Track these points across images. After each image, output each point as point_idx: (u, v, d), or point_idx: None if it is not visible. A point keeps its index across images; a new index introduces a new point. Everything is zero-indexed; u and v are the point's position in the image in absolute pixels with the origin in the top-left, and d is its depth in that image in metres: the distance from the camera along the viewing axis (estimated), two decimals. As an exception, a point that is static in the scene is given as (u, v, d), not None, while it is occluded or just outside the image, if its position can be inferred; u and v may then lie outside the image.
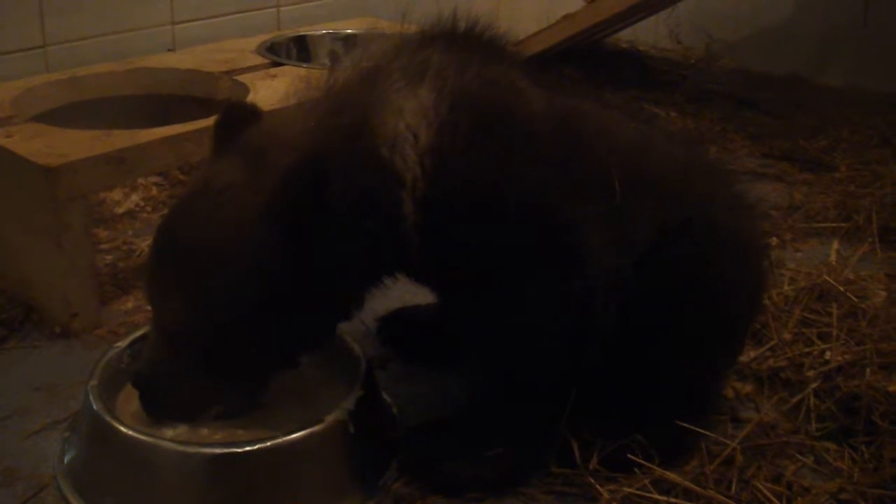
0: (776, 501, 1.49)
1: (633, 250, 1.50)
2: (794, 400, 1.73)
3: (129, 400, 1.59)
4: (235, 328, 1.40)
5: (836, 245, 2.35)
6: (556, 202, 1.46)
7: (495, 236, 1.44)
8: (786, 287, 2.06)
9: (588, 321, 1.49)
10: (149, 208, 2.52)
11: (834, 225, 2.47)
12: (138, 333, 1.70)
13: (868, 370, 1.74)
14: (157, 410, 1.50)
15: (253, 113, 1.52)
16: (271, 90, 2.36)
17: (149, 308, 2.02)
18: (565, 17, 3.12)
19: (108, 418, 1.48)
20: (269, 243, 1.36)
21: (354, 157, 1.40)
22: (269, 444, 1.42)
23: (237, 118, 1.50)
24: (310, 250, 1.37)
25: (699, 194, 1.58)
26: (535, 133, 1.48)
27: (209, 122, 2.10)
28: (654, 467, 1.52)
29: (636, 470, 1.53)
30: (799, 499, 1.51)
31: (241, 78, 2.48)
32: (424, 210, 1.42)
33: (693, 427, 1.56)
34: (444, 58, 1.47)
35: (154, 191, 2.59)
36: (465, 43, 1.52)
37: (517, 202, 1.44)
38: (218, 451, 1.42)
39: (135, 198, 2.54)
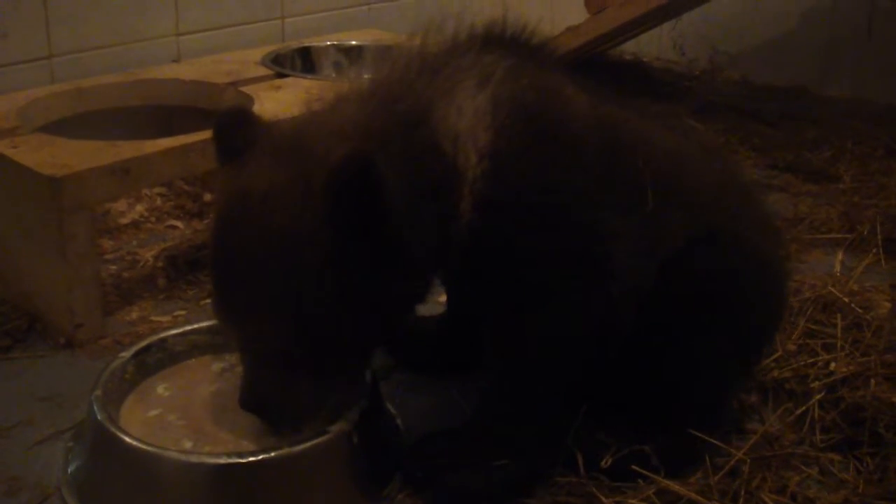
0: (781, 513, 1.49)
1: (658, 261, 1.51)
2: (799, 411, 1.73)
3: (131, 415, 1.60)
4: (327, 330, 1.36)
5: (840, 256, 2.34)
6: (598, 211, 1.48)
7: (541, 242, 1.45)
8: (790, 298, 2.05)
9: (607, 329, 1.50)
10: (153, 219, 2.53)
11: (838, 236, 2.47)
12: (142, 344, 1.70)
13: (873, 381, 1.74)
14: (279, 424, 1.49)
15: (251, 116, 1.50)
16: (276, 101, 2.36)
17: (156, 320, 2.06)
18: (569, 28, 3.13)
19: (112, 428, 1.48)
20: (334, 242, 1.32)
21: (415, 143, 1.39)
22: (273, 454, 1.42)
23: (235, 124, 1.47)
24: (375, 241, 1.34)
25: (728, 209, 1.60)
26: (582, 142, 1.50)
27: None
28: (659, 478, 1.52)
29: (640, 481, 1.53)
30: (804, 510, 1.51)
31: (245, 89, 2.48)
32: (480, 211, 1.43)
33: (701, 437, 1.56)
34: (504, 63, 1.48)
35: (158, 201, 2.59)
36: (519, 48, 1.54)
37: (563, 210, 1.46)
38: (222, 461, 1.41)
39: (139, 208, 2.55)
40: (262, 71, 2.65)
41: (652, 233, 1.50)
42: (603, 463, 1.53)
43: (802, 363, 1.84)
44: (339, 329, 1.37)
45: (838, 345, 1.88)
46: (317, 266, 1.33)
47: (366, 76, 1.51)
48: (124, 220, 2.50)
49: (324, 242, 1.32)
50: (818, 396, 1.74)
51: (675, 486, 1.52)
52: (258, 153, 1.40)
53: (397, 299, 1.44)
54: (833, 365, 1.82)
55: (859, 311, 2.00)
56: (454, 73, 1.46)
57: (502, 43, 1.53)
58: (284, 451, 1.43)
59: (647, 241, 1.50)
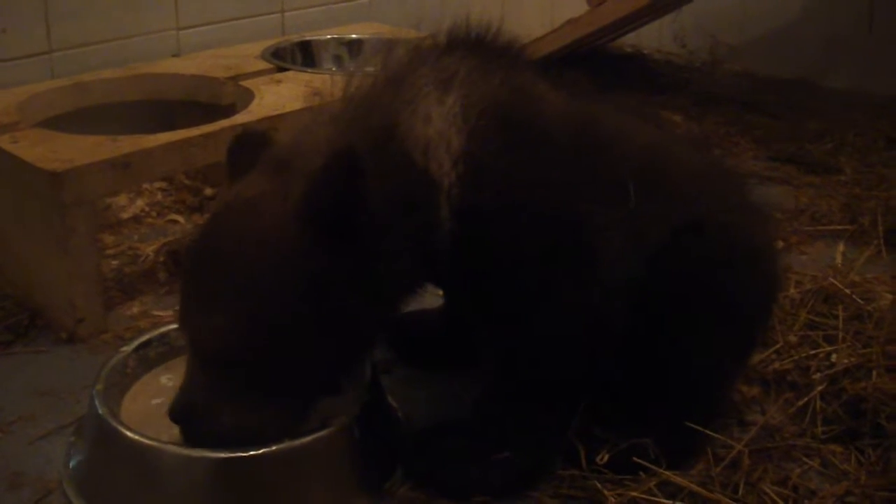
0: (782, 504, 1.49)
1: (646, 254, 1.51)
2: (801, 402, 1.73)
3: (135, 401, 1.60)
4: (278, 339, 1.34)
5: (841, 247, 2.34)
6: (579, 208, 1.47)
7: (525, 243, 1.44)
8: (791, 290, 2.06)
9: (601, 325, 1.50)
10: (154, 213, 2.53)
11: (839, 227, 2.47)
12: (144, 338, 1.70)
13: (874, 372, 1.74)
14: (202, 440, 1.42)
15: (264, 138, 1.51)
16: (276, 95, 2.36)
17: (157, 314, 2.06)
18: (569, 21, 3.12)
19: (113, 423, 1.48)
20: (303, 246, 1.32)
21: (386, 158, 1.38)
22: (274, 448, 1.42)
23: (249, 144, 1.48)
24: (347, 251, 1.33)
25: (713, 199, 1.59)
26: (557, 139, 1.48)
27: (214, 127, 2.12)
28: (660, 470, 1.52)
29: (642, 473, 1.53)
30: (805, 502, 1.51)
31: (245, 83, 2.48)
32: (460, 216, 1.42)
33: (700, 429, 1.56)
34: (469, 64, 1.47)
35: (159, 196, 2.59)
36: (485, 49, 1.52)
37: (546, 209, 1.45)
38: (224, 455, 1.41)
39: (140, 203, 2.55)
40: (263, 65, 2.65)
41: (637, 226, 1.50)
42: (599, 459, 1.53)
43: (804, 355, 1.84)
44: (292, 338, 1.35)
45: (840, 336, 1.88)
46: (281, 265, 1.33)
47: (344, 87, 1.50)
48: (125, 215, 2.51)
49: (292, 243, 1.32)
50: (820, 388, 1.74)
51: (676, 477, 1.52)
52: (253, 172, 1.41)
53: (363, 319, 1.41)
54: (834, 356, 1.82)
55: (861, 302, 2.00)
56: (416, 82, 1.45)
57: (466, 45, 1.51)
58: (286, 444, 1.43)
59: (632, 234, 1.49)
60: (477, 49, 1.51)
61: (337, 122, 1.44)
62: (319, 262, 1.33)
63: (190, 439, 1.43)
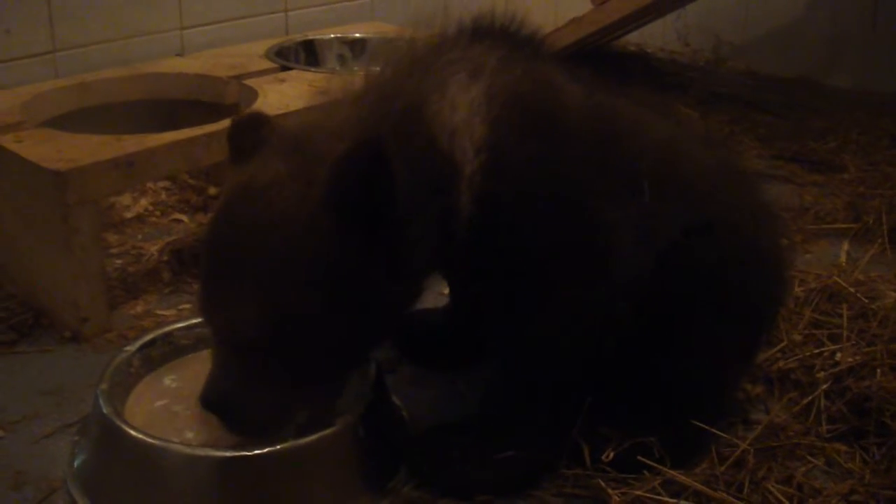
0: (787, 503, 1.49)
1: (655, 251, 1.51)
2: (805, 401, 1.73)
3: (139, 403, 1.60)
4: (307, 327, 1.34)
5: (845, 246, 2.34)
6: (596, 201, 1.47)
7: (541, 234, 1.45)
8: (796, 288, 2.05)
9: (607, 323, 1.50)
10: (158, 213, 2.53)
11: (844, 226, 2.46)
12: (148, 337, 1.70)
13: (879, 371, 1.74)
14: (241, 428, 1.43)
15: (264, 119, 1.50)
16: (280, 94, 2.36)
17: (161, 314, 2.06)
18: (573, 20, 3.12)
19: (117, 422, 1.48)
20: (329, 233, 1.31)
21: (412, 141, 1.37)
22: (279, 447, 1.42)
23: (249, 127, 1.47)
24: (372, 237, 1.33)
25: (724, 198, 1.59)
26: (577, 132, 1.49)
27: (218, 126, 2.12)
28: (665, 469, 1.52)
29: (646, 472, 1.53)
30: (810, 500, 1.51)
31: (249, 82, 2.48)
32: (479, 204, 1.42)
33: (706, 427, 1.56)
34: (494, 54, 1.47)
35: (163, 195, 2.59)
36: (509, 40, 1.53)
37: (562, 200, 1.45)
38: (228, 454, 1.42)
39: (144, 202, 2.55)
40: (266, 64, 2.65)
41: (649, 223, 1.50)
42: (604, 457, 1.53)
43: (808, 353, 1.84)
44: (321, 325, 1.34)
45: (844, 335, 1.88)
46: (308, 254, 1.32)
47: (366, 71, 1.50)
48: (129, 214, 2.51)
49: (319, 231, 1.31)
50: (824, 386, 1.74)
51: (680, 476, 1.52)
52: (264, 153, 1.40)
53: (388, 303, 1.41)
54: (839, 355, 1.82)
55: (865, 301, 1.99)
56: (444, 67, 1.45)
57: (491, 34, 1.52)
58: (290, 444, 1.43)
59: (644, 231, 1.49)
60: (501, 39, 1.51)
61: (359, 104, 1.43)
62: (342, 247, 1.32)
63: (227, 426, 1.43)
